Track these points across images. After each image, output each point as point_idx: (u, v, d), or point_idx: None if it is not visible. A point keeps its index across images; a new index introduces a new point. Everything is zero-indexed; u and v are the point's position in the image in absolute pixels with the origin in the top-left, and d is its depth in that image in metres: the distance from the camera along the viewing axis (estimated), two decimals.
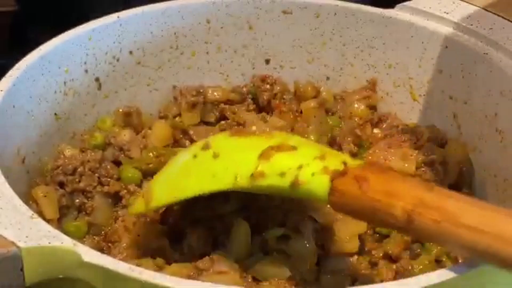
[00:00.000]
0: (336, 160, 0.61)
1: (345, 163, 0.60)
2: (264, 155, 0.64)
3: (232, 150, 0.68)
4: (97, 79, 0.85)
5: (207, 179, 0.67)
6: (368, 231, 0.73)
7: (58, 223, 0.73)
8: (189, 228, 0.70)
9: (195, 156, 0.70)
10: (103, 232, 0.74)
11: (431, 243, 0.71)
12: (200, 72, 0.92)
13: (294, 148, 0.64)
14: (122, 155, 0.80)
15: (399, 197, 0.55)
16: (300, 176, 0.61)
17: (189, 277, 0.63)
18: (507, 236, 0.50)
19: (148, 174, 0.78)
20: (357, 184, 0.57)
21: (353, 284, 0.68)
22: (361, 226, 0.71)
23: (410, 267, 0.69)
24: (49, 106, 0.79)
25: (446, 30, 0.84)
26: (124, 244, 0.70)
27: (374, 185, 0.57)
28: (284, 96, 0.90)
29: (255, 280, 0.66)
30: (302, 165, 0.62)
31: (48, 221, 0.69)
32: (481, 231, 0.51)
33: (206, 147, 0.69)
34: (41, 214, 0.70)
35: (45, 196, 0.72)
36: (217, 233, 0.70)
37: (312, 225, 0.68)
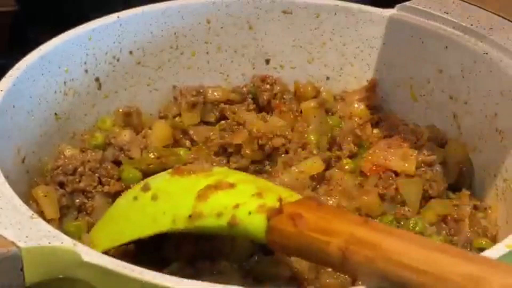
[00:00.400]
0: (273, 196, 0.60)
1: (280, 200, 0.58)
2: (202, 196, 0.63)
3: (171, 191, 0.68)
4: (97, 79, 0.85)
5: (147, 222, 0.66)
6: None
7: (59, 223, 0.73)
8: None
9: (135, 198, 0.70)
10: None
11: None
12: (200, 72, 0.92)
13: (232, 185, 0.64)
14: (122, 155, 0.80)
15: (334, 234, 0.53)
16: (236, 215, 0.60)
17: (189, 277, 0.63)
18: (449, 277, 0.46)
19: (149, 174, 0.78)
20: (293, 222, 0.55)
21: (353, 284, 0.67)
22: None
23: None
24: (49, 106, 0.79)
25: (446, 30, 0.84)
26: None
27: (310, 222, 0.55)
28: (284, 96, 0.90)
29: (256, 280, 0.66)
30: (239, 203, 0.61)
31: (48, 221, 0.69)
32: (422, 271, 0.47)
33: (146, 188, 0.69)
34: (41, 214, 0.70)
35: (45, 196, 0.72)
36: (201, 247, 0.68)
37: None
